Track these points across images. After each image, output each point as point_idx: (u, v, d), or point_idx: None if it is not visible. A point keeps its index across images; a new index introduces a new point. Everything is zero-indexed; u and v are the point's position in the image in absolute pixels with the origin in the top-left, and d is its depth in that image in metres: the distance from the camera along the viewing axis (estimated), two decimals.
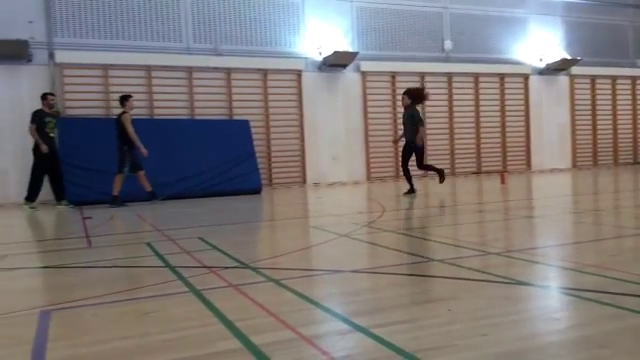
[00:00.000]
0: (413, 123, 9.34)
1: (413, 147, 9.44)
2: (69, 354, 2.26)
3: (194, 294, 3.14)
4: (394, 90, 14.23)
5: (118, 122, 9.44)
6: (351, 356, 2.06)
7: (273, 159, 13.05)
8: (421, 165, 9.58)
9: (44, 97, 9.75)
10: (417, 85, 10.62)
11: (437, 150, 14.73)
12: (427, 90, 10.11)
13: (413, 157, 9.52)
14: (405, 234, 5.33)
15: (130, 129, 9.33)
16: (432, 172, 10.02)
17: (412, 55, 14.30)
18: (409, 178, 9.56)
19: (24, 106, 9.94)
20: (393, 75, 14.20)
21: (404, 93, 9.66)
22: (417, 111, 9.58)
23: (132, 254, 4.76)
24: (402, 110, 14.23)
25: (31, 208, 9.46)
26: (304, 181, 13.31)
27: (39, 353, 2.27)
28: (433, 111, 14.63)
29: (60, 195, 9.83)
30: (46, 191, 9.86)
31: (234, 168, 11.36)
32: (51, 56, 11.11)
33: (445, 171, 10.09)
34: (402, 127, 9.77)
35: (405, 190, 9.63)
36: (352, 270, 3.65)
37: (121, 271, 4.07)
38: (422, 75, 14.48)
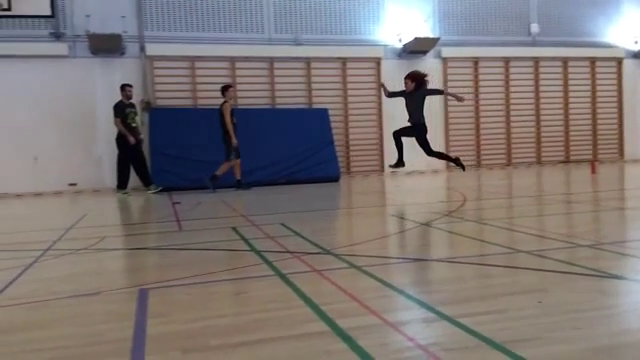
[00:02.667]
0: (422, 105, 8.78)
1: (418, 130, 8.76)
2: (168, 330, 2.41)
3: (280, 278, 3.25)
4: (476, 76, 13.84)
5: (220, 112, 9.84)
6: (438, 344, 2.07)
7: (351, 147, 13.08)
8: (430, 151, 8.86)
9: (122, 88, 10.29)
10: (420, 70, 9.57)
11: (522, 138, 14.20)
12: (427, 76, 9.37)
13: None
14: (488, 224, 5.22)
15: (227, 118, 9.70)
16: (451, 163, 9.18)
17: (496, 40, 13.81)
18: (400, 148, 8.96)
19: (117, 97, 10.51)
20: (476, 61, 13.81)
21: (407, 77, 9.00)
22: (426, 89, 8.91)
23: (220, 238, 4.97)
24: (485, 96, 14.02)
25: (124, 194, 10.04)
26: (382, 169, 13.25)
27: (141, 328, 2.43)
28: (518, 97, 14.11)
29: (146, 181, 10.37)
30: (136, 177, 10.46)
31: (313, 156, 11.51)
32: (142, 49, 11.68)
33: (462, 162, 9.06)
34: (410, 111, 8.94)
35: (394, 162, 9.04)
36: (434, 259, 3.64)
37: (211, 254, 4.27)
38: (507, 60, 13.97)
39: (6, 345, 2.33)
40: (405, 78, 9.01)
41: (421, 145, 8.87)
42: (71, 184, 11.37)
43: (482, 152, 13.94)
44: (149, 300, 2.90)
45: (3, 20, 10.69)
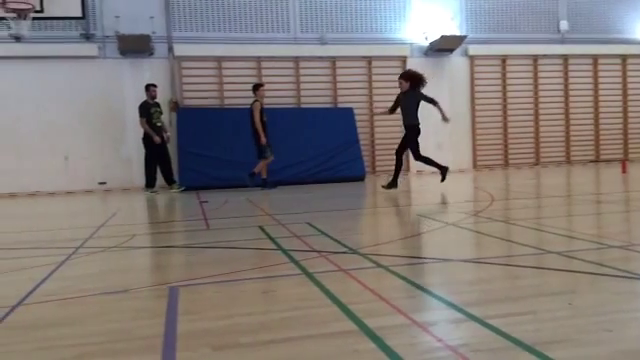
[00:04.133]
0: (416, 107, 8.64)
1: (410, 132, 8.69)
2: (198, 327, 2.45)
3: (307, 276, 3.27)
4: (504, 74, 13.67)
5: (250, 110, 9.93)
6: (468, 345, 2.06)
7: (377, 146, 13.04)
8: (418, 156, 8.68)
9: (147, 88, 10.46)
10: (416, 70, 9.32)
11: (551, 137, 13.97)
12: (424, 76, 8.90)
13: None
14: (517, 224, 5.16)
15: (256, 117, 9.78)
16: (434, 168, 8.85)
17: (524, 37, 13.62)
18: (398, 168, 8.80)
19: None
20: (503, 59, 13.63)
21: (401, 77, 8.85)
22: (421, 93, 8.69)
23: (247, 236, 5.00)
24: (513, 95, 13.82)
25: (152, 193, 10.20)
26: (407, 169, 13.18)
27: (172, 325, 2.47)
28: (547, 95, 13.89)
29: (169, 180, 10.52)
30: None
31: (338, 155, 11.51)
32: (170, 49, 11.82)
33: (448, 169, 8.92)
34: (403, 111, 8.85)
35: (388, 182, 8.85)
36: (462, 259, 3.61)
37: (238, 252, 4.31)
38: (535, 58, 13.76)
39: (39, 340, 2.38)
40: (399, 78, 8.92)
41: (410, 147, 8.70)
42: (101, 183, 11.58)
43: (510, 151, 13.76)
44: (179, 297, 2.94)
45: (35, 22, 10.92)
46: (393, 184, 8.77)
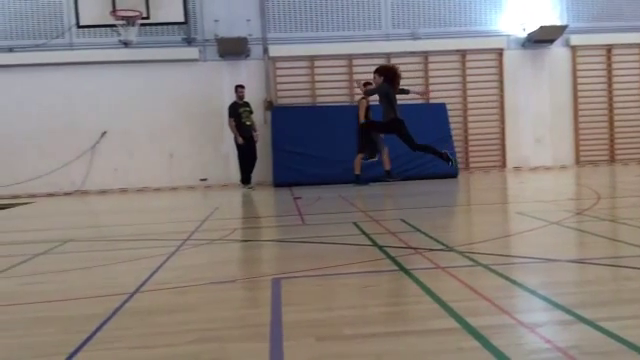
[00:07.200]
0: (389, 101, 8.20)
1: (392, 126, 8.23)
2: (302, 318, 2.54)
3: (404, 273, 3.28)
4: (609, 65, 12.86)
5: (357, 107, 10.15)
6: (578, 347, 2.00)
7: (470, 142, 12.72)
8: (414, 145, 8.17)
9: (236, 89, 10.88)
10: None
11: None
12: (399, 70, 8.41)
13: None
14: (626, 224, 4.86)
15: (361, 114, 9.97)
16: (433, 155, 8.29)
17: (631, 25, 12.73)
18: (369, 142, 8.93)
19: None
20: (608, 48, 12.82)
21: (375, 71, 8.46)
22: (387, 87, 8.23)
23: (342, 232, 5.07)
24: (620, 86, 12.97)
25: (249, 189, 10.60)
26: (503, 165, 12.76)
27: (277, 315, 2.59)
28: None
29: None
30: (259, 172, 10.98)
31: None
32: (265, 51, 12.19)
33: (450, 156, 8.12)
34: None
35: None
36: (568, 260, 3.48)
37: (334, 247, 4.39)
38: None
39: (156, 325, 2.56)
40: (374, 72, 8.61)
41: (406, 142, 8.30)
42: (202, 179, 12.18)
43: (616, 146, 12.94)
44: (282, 289, 3.06)
45: (142, 28, 11.65)
46: (446, 158, 8.18)
